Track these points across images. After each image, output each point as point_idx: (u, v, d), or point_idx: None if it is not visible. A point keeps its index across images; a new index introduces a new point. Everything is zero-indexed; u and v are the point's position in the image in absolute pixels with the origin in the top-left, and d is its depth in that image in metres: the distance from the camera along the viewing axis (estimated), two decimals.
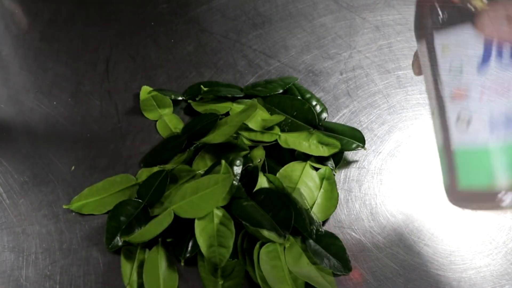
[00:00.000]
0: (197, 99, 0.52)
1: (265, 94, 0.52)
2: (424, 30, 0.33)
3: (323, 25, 0.63)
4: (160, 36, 0.62)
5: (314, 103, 0.51)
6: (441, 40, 0.32)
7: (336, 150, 0.45)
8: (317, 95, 0.53)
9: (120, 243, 0.40)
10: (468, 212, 0.43)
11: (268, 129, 0.47)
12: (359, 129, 0.48)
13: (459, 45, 0.31)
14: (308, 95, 0.52)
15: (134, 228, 0.40)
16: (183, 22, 0.64)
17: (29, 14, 0.65)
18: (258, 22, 0.64)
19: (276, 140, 0.46)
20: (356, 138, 0.47)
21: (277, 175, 0.44)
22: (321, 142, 0.45)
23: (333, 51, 0.59)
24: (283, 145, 0.46)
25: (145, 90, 0.53)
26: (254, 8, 0.66)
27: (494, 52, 0.29)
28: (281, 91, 0.52)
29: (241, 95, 0.51)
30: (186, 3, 0.67)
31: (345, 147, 0.46)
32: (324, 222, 0.42)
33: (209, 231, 0.38)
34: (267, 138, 0.47)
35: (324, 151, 0.45)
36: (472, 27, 0.30)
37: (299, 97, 0.51)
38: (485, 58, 0.29)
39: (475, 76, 0.30)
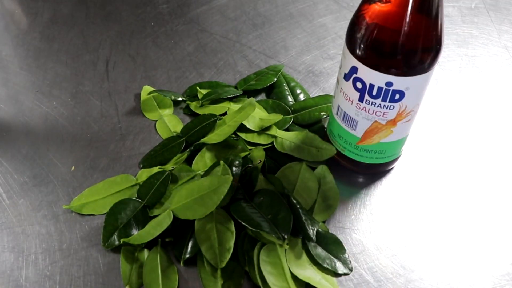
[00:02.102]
0: (196, 104, 0.52)
1: (262, 86, 0.52)
2: None
3: (323, 25, 0.63)
4: (160, 36, 0.62)
5: (298, 91, 0.53)
6: None
7: (332, 154, 0.45)
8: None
9: (116, 242, 0.40)
10: (468, 213, 0.43)
11: (265, 129, 0.47)
12: None
13: None
14: (293, 83, 0.54)
15: (132, 227, 0.40)
16: (183, 22, 0.64)
17: (29, 14, 0.66)
18: (258, 22, 0.64)
19: (272, 142, 0.46)
20: None
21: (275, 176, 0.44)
22: (316, 146, 0.45)
23: (333, 52, 0.59)
24: (279, 148, 0.45)
25: (146, 90, 0.53)
26: (254, 8, 0.66)
27: None
28: (275, 79, 0.53)
29: (240, 93, 0.52)
30: (186, 3, 0.67)
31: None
32: (324, 223, 0.42)
33: (209, 232, 0.38)
34: (264, 140, 0.47)
35: (320, 155, 0.45)
36: None
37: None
38: None
39: None
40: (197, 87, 0.53)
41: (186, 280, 0.39)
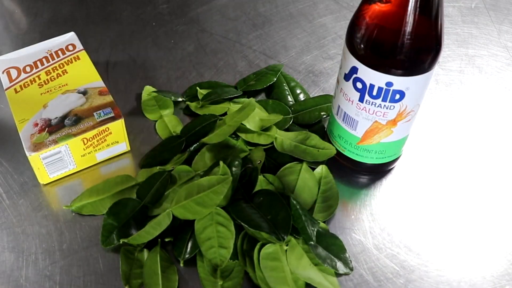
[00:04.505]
0: (196, 104, 0.52)
1: (262, 86, 0.52)
2: None
3: (323, 25, 0.63)
4: (160, 36, 0.62)
5: (298, 91, 0.53)
6: None
7: (332, 154, 0.44)
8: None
9: (115, 241, 0.39)
10: (468, 213, 0.43)
11: (265, 129, 0.47)
12: None
13: None
14: (293, 83, 0.54)
15: (131, 227, 0.40)
16: (183, 23, 0.64)
17: (29, 14, 0.65)
18: (258, 22, 0.64)
19: (272, 142, 0.46)
20: None
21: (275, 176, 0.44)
22: (316, 147, 0.45)
23: (333, 52, 0.59)
24: (279, 149, 0.45)
25: (147, 90, 0.53)
26: (254, 8, 0.66)
27: None
28: (275, 79, 0.53)
29: (240, 93, 0.51)
30: (186, 4, 0.67)
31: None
32: (324, 223, 0.42)
33: (209, 232, 0.38)
34: (264, 140, 0.46)
35: (320, 155, 0.45)
36: None
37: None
38: None
39: None
40: (197, 88, 0.53)
41: (186, 280, 0.39)
